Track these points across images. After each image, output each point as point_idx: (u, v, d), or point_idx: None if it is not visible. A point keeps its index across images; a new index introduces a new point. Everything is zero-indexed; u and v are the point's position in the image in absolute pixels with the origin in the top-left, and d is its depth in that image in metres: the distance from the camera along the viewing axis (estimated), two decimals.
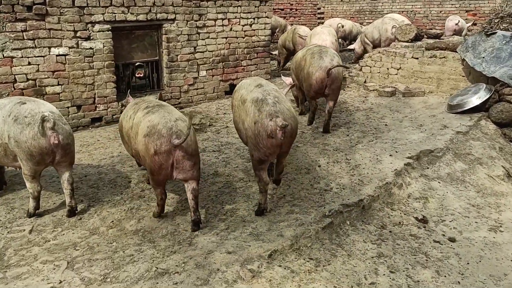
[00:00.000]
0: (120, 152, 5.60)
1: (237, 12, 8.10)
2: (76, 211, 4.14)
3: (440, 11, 16.36)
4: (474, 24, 14.62)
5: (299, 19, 18.97)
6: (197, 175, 3.75)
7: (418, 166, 5.04)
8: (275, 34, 15.85)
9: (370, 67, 8.22)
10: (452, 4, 16.02)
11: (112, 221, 4.02)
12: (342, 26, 14.63)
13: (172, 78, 7.47)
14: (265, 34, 8.66)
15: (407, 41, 8.98)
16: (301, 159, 5.21)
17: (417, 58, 7.45)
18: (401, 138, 5.67)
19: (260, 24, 8.53)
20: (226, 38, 8.06)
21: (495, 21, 10.23)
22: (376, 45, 10.96)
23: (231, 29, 8.09)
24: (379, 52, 8.09)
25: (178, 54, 7.46)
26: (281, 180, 4.42)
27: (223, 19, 7.93)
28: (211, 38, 7.85)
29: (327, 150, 5.44)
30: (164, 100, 7.41)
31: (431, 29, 16.63)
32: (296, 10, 18.93)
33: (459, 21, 13.26)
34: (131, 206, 4.27)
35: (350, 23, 14.99)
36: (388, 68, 7.92)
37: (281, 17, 17.94)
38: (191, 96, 7.78)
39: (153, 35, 7.32)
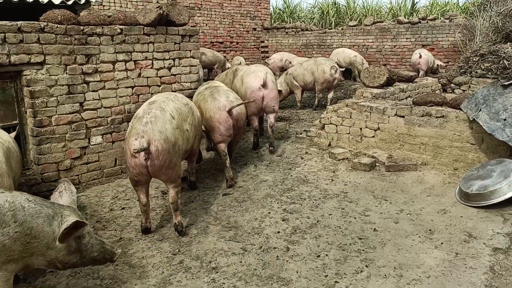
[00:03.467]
0: None
1: (147, 51, 5.67)
2: None
3: (394, 46, 14.90)
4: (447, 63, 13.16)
5: (241, 53, 16.93)
6: None
7: None
8: (213, 70, 13.70)
9: (336, 125, 6.01)
10: (407, 38, 14.59)
11: None
12: (290, 62, 12.79)
13: (43, 151, 4.84)
14: (191, 80, 6.28)
15: (377, 87, 6.96)
16: None
17: (403, 117, 5.33)
18: (408, 264, 3.38)
19: (183, 66, 6.14)
20: (132, 87, 5.58)
21: (474, 59, 8.52)
22: (308, 88, 9.30)
23: (139, 75, 5.63)
24: (347, 106, 5.91)
25: (53, 115, 4.86)
26: (177, 209, 3.99)
27: (126, 61, 5.47)
28: (109, 89, 5.34)
29: None
30: (33, 184, 4.79)
31: (385, 64, 15.13)
32: (238, 43, 16.93)
33: (420, 54, 11.73)
34: None
35: (300, 60, 13.15)
36: (361, 128, 5.74)
37: (220, 51, 15.80)
38: (77, 175, 5.16)
39: (8, 87, 4.69)
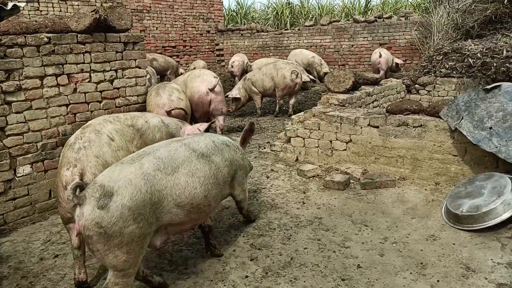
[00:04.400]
0: None
1: (83, 63, 4.87)
2: None
3: (352, 45, 14.67)
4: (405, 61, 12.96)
5: (195, 57, 16.16)
6: None
7: None
8: (166, 77, 12.89)
9: (303, 138, 5.43)
10: (364, 37, 14.39)
11: None
12: (250, 66, 12.25)
13: None
14: (137, 93, 5.52)
15: (342, 92, 6.45)
16: None
17: (377, 127, 4.82)
18: None
19: (127, 78, 5.37)
20: (67, 105, 4.77)
21: (437, 58, 8.22)
22: (268, 94, 8.77)
23: (75, 91, 4.83)
24: (314, 116, 5.34)
25: None
26: None
27: (57, 75, 4.65)
28: (37, 109, 4.51)
29: None
30: None
31: (344, 64, 14.85)
32: (191, 47, 16.16)
33: (380, 54, 11.45)
34: None
35: (257, 63, 12.59)
36: (331, 141, 5.19)
37: (173, 56, 14.99)
38: (2, 215, 4.29)
39: None
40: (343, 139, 5.08)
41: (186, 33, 15.84)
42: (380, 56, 11.33)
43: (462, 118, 4.17)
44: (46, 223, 4.39)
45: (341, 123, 5.05)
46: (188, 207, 2.93)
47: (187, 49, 15.92)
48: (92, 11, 4.88)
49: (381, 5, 22.63)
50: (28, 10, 11.31)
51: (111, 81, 5.21)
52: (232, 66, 12.65)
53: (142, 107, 5.53)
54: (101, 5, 12.92)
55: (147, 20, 14.44)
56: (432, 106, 4.56)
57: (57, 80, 4.65)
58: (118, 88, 5.29)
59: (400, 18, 13.82)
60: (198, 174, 3.00)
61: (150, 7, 14.45)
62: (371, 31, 14.15)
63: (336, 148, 5.15)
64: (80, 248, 3.21)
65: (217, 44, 16.99)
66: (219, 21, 17.02)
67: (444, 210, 3.94)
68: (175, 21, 15.39)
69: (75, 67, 4.80)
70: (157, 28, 14.82)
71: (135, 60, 5.44)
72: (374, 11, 20.73)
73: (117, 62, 5.24)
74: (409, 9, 17.93)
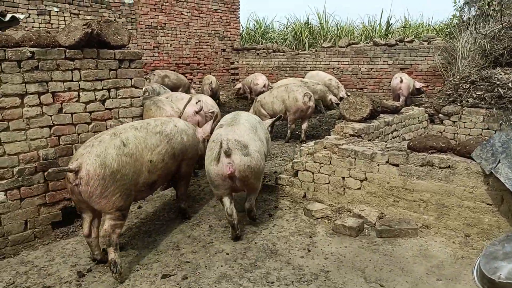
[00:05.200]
0: None
1: (71, 80, 4.42)
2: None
3: (371, 69, 14.07)
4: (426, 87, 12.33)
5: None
6: None
7: None
8: None
9: (313, 172, 4.84)
10: (384, 61, 13.79)
11: None
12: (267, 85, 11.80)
13: None
14: (132, 115, 5.04)
15: (359, 120, 5.88)
16: None
17: (397, 165, 4.21)
18: None
19: (121, 98, 4.90)
20: (50, 127, 4.30)
21: (464, 86, 7.59)
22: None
23: (60, 111, 4.37)
24: (325, 148, 4.75)
25: None
26: (110, 245, 3.46)
27: (40, 94, 4.20)
28: (15, 130, 4.04)
29: None
30: None
31: (362, 88, 14.27)
32: (205, 65, 15.78)
33: (401, 79, 10.83)
34: None
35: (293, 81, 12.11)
36: (344, 178, 4.58)
37: (186, 73, 14.64)
38: None
39: None
40: (357, 176, 4.47)
41: (200, 51, 15.50)
42: (401, 81, 10.72)
43: (499, 161, 3.55)
44: (14, 261, 3.86)
45: (355, 158, 4.45)
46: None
47: (201, 67, 15.56)
48: (83, 25, 4.44)
49: (402, 28, 22.07)
50: (39, 23, 11.08)
51: (103, 101, 4.74)
52: (264, 86, 12.19)
53: None
54: (115, 20, 12.67)
55: (161, 36, 14.15)
56: (463, 145, 3.93)
57: (39, 99, 4.20)
58: (110, 109, 4.82)
59: (423, 42, 13.22)
60: (265, 136, 4.46)
61: (165, 23, 14.17)
62: (392, 55, 13.57)
63: (349, 186, 4.54)
64: (89, 236, 3.67)
65: (232, 63, 16.61)
66: (235, 40, 16.67)
67: (476, 272, 3.27)
68: (190, 38, 15.07)
69: (62, 85, 4.35)
70: (171, 45, 14.52)
71: (130, 79, 4.98)
72: (395, 35, 20.16)
73: (110, 80, 4.78)
74: (432, 33, 17.34)
